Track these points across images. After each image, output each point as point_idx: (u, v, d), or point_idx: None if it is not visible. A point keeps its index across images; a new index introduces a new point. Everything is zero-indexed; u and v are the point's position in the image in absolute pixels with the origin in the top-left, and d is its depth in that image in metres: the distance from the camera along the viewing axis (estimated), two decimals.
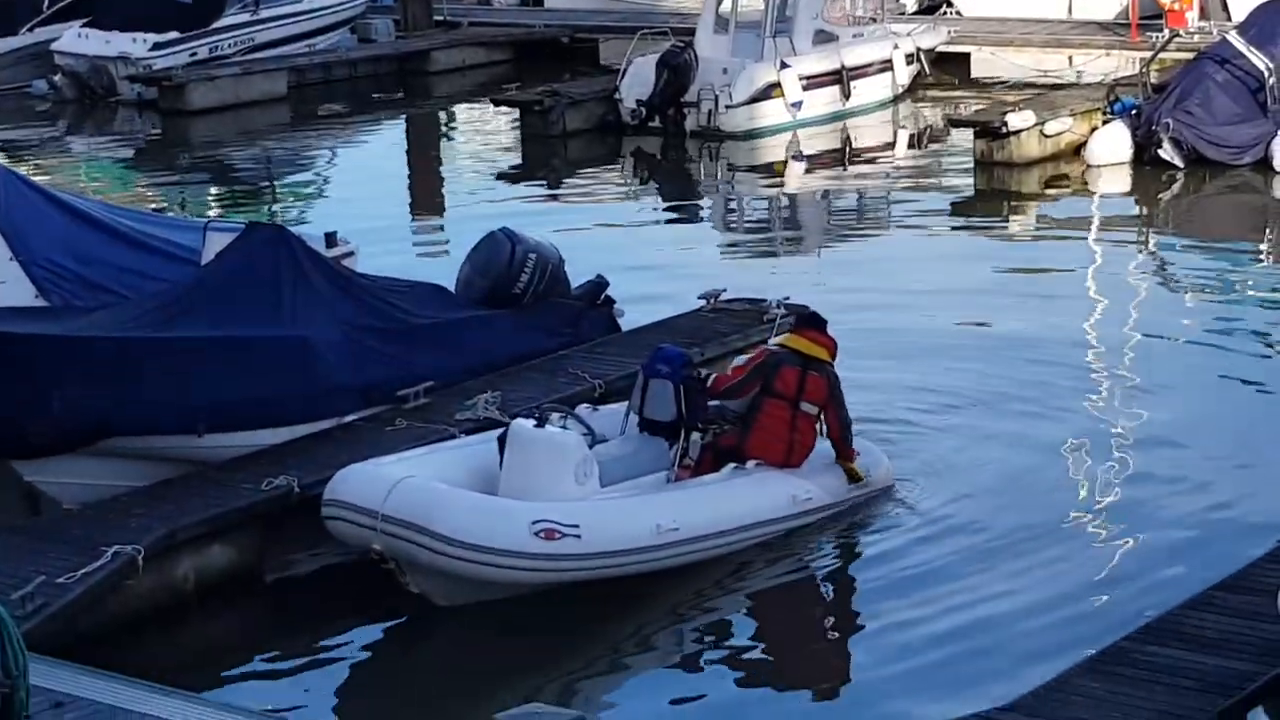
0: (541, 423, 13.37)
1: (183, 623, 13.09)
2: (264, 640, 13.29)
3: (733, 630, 13.06)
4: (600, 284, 17.93)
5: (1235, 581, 11.90)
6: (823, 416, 14.31)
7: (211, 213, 26.63)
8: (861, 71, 32.90)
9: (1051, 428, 16.98)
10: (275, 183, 30.81)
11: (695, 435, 14.37)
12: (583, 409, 14.62)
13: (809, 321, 14.76)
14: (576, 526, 12.74)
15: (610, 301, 17.93)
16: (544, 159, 31.32)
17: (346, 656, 12.67)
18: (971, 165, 29.49)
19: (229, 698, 11.02)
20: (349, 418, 15.28)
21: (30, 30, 38.39)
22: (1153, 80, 30.05)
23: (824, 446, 14.50)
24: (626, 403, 14.89)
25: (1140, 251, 25.90)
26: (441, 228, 27.80)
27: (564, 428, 13.74)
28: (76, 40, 36.31)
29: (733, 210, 29.48)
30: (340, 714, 11.50)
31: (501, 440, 13.47)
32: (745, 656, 12.64)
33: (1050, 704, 10.15)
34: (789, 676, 12.18)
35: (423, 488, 12.78)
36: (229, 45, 36.58)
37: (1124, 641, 11.09)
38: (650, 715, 11.59)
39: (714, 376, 14.55)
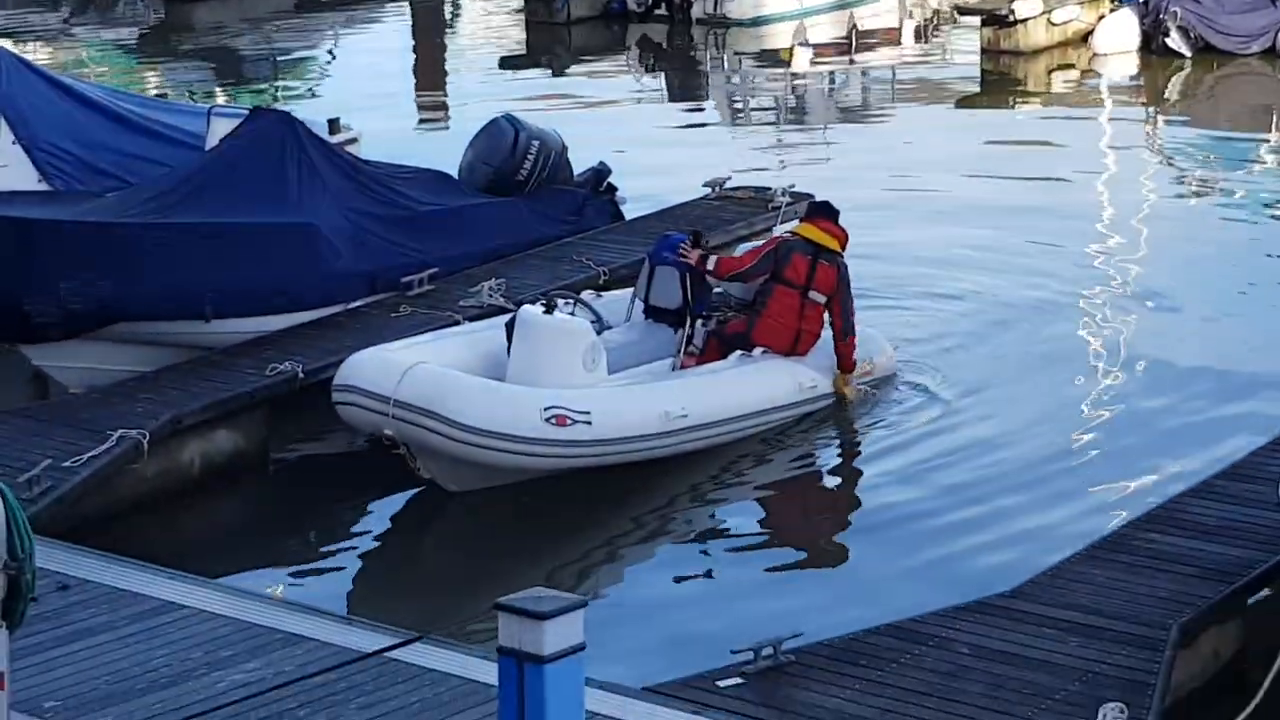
0: (550, 309, 13.36)
1: (188, 507, 13.13)
2: (269, 525, 13.36)
3: (738, 518, 13.11)
4: (602, 171, 17.88)
5: (1236, 469, 11.93)
6: (828, 309, 14.29)
7: (215, 99, 26.51)
8: None
9: (1056, 316, 16.98)
10: (278, 69, 30.67)
11: (700, 323, 14.37)
12: (586, 296, 14.61)
13: (821, 210, 14.69)
14: (588, 413, 12.77)
15: (612, 189, 17.89)
16: (548, 46, 31.18)
17: (352, 541, 12.72)
18: (978, 53, 29.33)
19: (234, 581, 11.06)
20: (355, 304, 15.29)
21: None
22: None
23: (829, 335, 14.50)
24: (631, 290, 14.87)
25: (1146, 139, 25.80)
26: (445, 115, 27.70)
27: (572, 314, 13.73)
28: None
29: (738, 98, 29.35)
30: (346, 597, 11.54)
31: (509, 327, 13.46)
32: (750, 545, 12.69)
33: (1051, 591, 10.18)
34: (793, 565, 12.23)
35: (435, 373, 12.79)
36: None
37: (1125, 529, 11.12)
38: (656, 601, 11.64)
39: (719, 259, 14.50)
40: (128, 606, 9.59)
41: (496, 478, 12.89)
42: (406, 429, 12.63)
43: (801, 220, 14.86)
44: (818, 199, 15.42)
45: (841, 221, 14.57)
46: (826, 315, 14.36)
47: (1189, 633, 9.74)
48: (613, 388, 13.38)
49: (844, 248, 14.45)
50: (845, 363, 14.43)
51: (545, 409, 12.65)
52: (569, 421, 12.68)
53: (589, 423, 12.76)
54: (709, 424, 13.45)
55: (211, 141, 16.54)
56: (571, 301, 14.10)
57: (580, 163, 17.74)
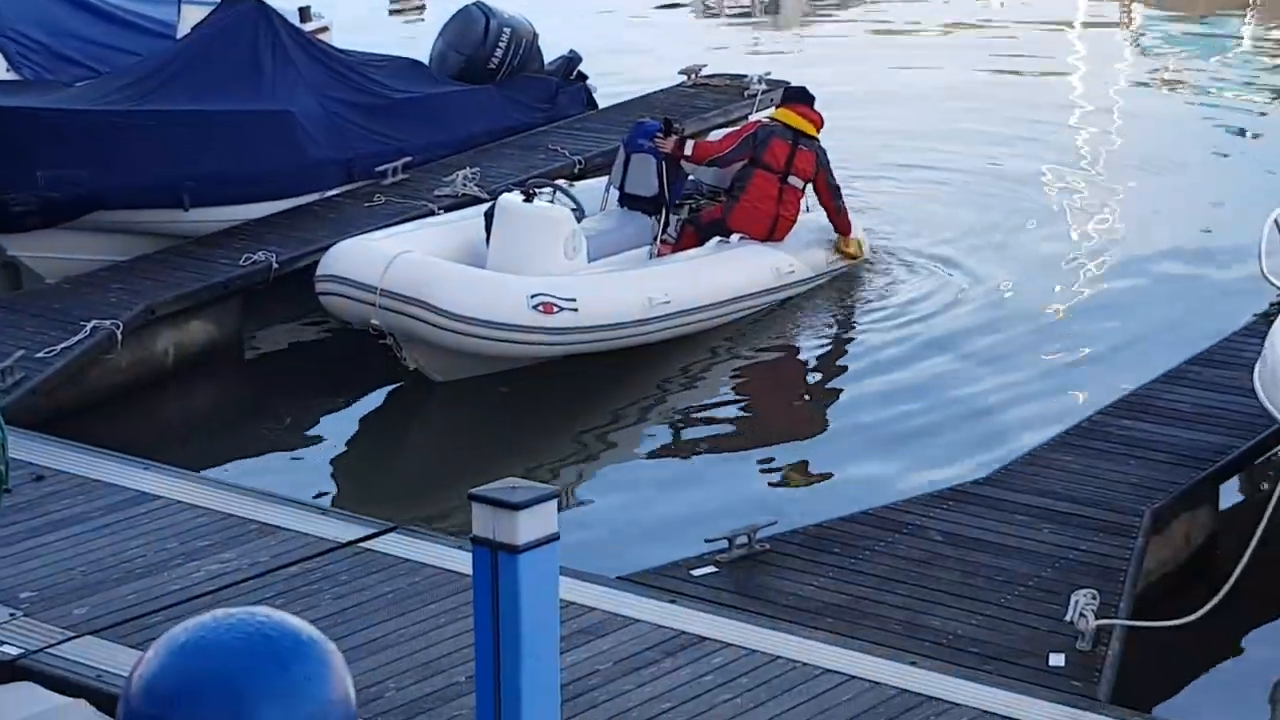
0: (529, 197, 13.31)
1: (162, 397, 13.13)
2: (244, 415, 13.36)
3: (714, 409, 13.12)
4: (573, 59, 17.79)
5: (1209, 355, 11.96)
6: (815, 190, 14.32)
7: None
8: None
9: (1030, 206, 16.98)
10: None
11: (675, 211, 14.35)
12: (559, 184, 14.57)
13: (798, 96, 14.71)
14: (573, 300, 12.77)
15: (583, 76, 17.79)
16: None
17: (327, 431, 12.72)
18: None
19: (209, 471, 11.06)
20: (332, 192, 15.23)
21: None
22: None
23: (804, 220, 14.50)
24: (605, 178, 14.83)
25: (1123, 22, 25.73)
26: (415, 3, 27.48)
27: (551, 202, 13.70)
28: None
29: None
30: (322, 488, 11.55)
31: (488, 216, 13.42)
32: (726, 434, 12.70)
33: (1024, 478, 10.21)
34: (769, 454, 12.24)
35: (421, 262, 12.75)
36: None
37: (1098, 416, 11.14)
38: (633, 491, 11.67)
39: (696, 143, 14.47)
40: (102, 497, 9.59)
41: (482, 366, 12.89)
42: (393, 318, 12.60)
43: (778, 106, 14.84)
44: (793, 85, 15.38)
45: (817, 106, 14.58)
46: (804, 203, 14.38)
47: (1161, 519, 9.78)
48: (597, 275, 13.38)
49: (819, 131, 14.45)
50: (843, 227, 14.51)
51: (532, 296, 12.64)
52: (555, 309, 12.68)
53: (575, 310, 12.77)
54: (691, 310, 13.47)
55: (183, 30, 16.41)
56: (551, 189, 14.06)
57: (550, 51, 17.64)
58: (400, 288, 12.52)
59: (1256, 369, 9.94)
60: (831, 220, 14.57)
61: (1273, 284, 9.30)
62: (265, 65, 15.18)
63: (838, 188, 14.53)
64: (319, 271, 13.03)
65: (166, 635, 2.59)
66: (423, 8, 26.96)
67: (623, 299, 13.11)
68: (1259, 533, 8.47)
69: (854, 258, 14.75)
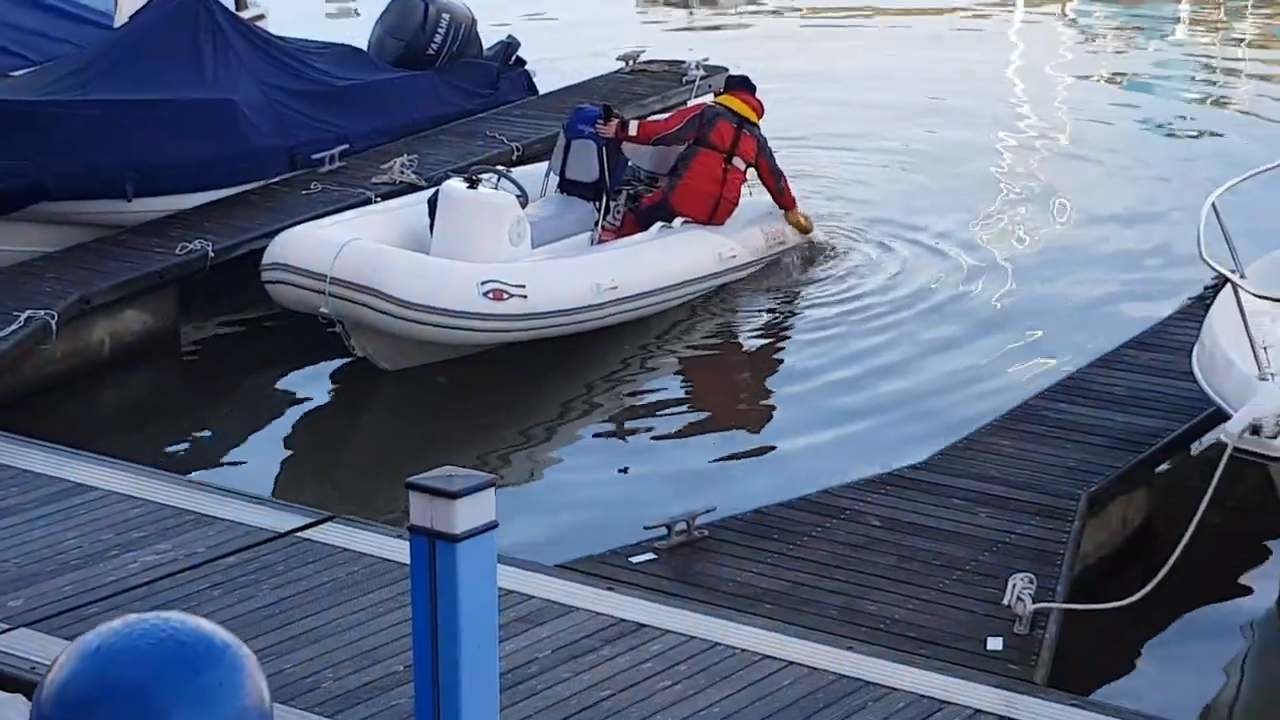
0: (473, 184, 13.28)
1: (98, 388, 13.04)
2: (180, 405, 13.28)
3: (656, 396, 13.09)
4: (511, 45, 17.75)
5: (1144, 339, 12.02)
6: (758, 174, 14.38)
7: None
8: None
9: (969, 190, 17.04)
10: None
11: (617, 197, 14.36)
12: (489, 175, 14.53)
13: (740, 83, 14.86)
14: (523, 286, 12.75)
15: (521, 62, 17.76)
16: None
17: (264, 421, 12.66)
18: None
19: (147, 462, 10.99)
20: (274, 181, 15.16)
21: None
22: None
23: (743, 205, 14.54)
24: (544, 164, 14.81)
25: (1060, 12, 25.84)
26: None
27: (496, 188, 13.68)
28: None
29: None
30: (259, 478, 11.50)
31: (432, 203, 13.37)
32: (667, 421, 12.67)
33: (961, 462, 10.24)
34: (708, 441, 12.25)
35: (371, 249, 12.69)
36: None
37: (1034, 400, 11.18)
38: (574, 479, 11.67)
39: (640, 123, 14.48)
40: (37, 488, 9.52)
41: (431, 354, 12.85)
42: (343, 306, 12.54)
43: (722, 92, 14.90)
44: (733, 72, 15.43)
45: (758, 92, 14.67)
46: (747, 188, 14.45)
47: (1097, 502, 9.83)
48: (544, 261, 13.37)
49: (760, 119, 14.52)
50: (786, 201, 14.64)
51: (482, 283, 12.61)
52: (505, 295, 12.66)
53: (525, 296, 12.75)
54: (637, 295, 13.49)
55: (120, 18, 16.29)
56: (495, 175, 14.04)
57: (488, 38, 17.60)
58: (350, 275, 12.47)
59: (1194, 353, 9.99)
60: (776, 200, 14.63)
61: (1213, 268, 9.33)
62: (206, 53, 15.10)
63: (780, 172, 14.59)
64: (265, 260, 12.95)
65: (79, 641, 2.57)
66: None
67: (571, 285, 13.11)
68: (1197, 516, 8.51)
69: (806, 230, 14.81)
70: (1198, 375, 9.70)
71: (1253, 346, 8.80)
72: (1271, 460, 8.64)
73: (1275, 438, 8.47)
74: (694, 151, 14.25)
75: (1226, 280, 9.34)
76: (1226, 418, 8.88)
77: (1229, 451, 8.52)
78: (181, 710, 2.52)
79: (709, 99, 15.13)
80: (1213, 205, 9.42)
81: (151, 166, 14.33)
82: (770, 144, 14.59)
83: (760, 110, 14.56)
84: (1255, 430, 8.47)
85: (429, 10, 16.85)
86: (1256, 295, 9.18)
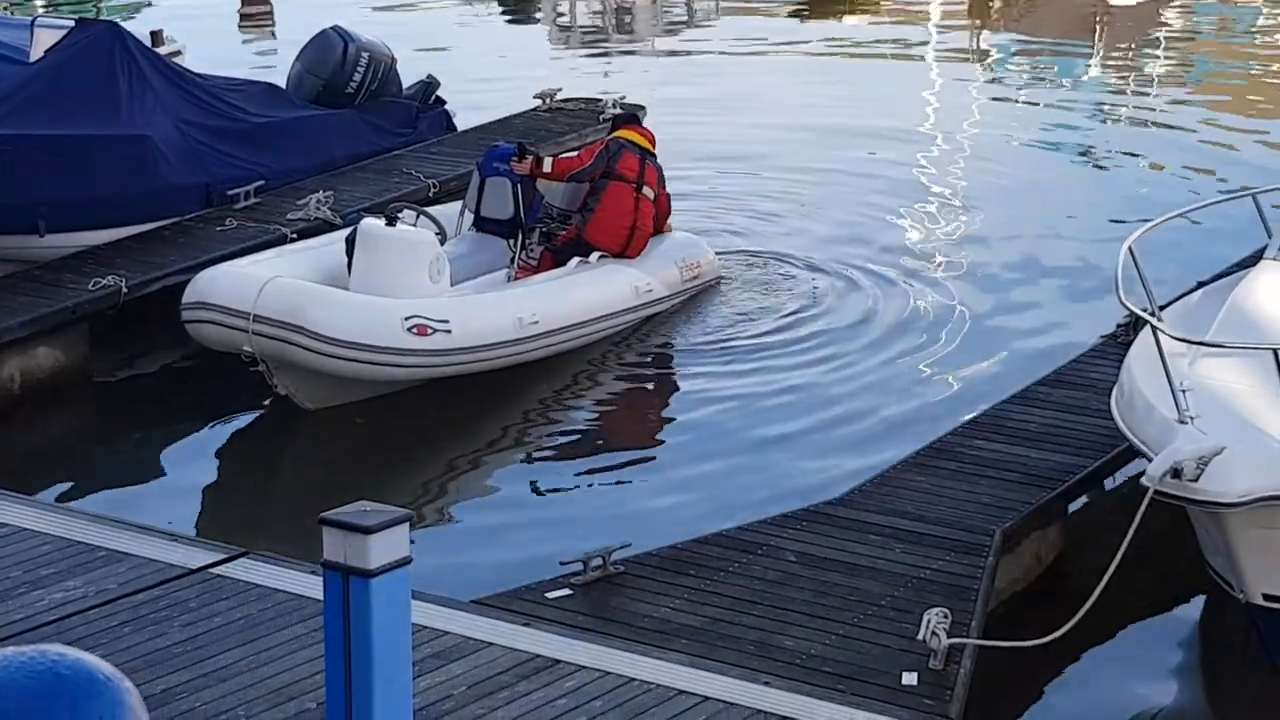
0: (391, 221, 13.24)
1: (8, 424, 12.92)
2: (92, 441, 13.18)
3: (571, 432, 13.09)
4: (432, 84, 17.75)
5: (1058, 377, 12.09)
6: (654, 203, 14.51)
7: (36, 11, 25.95)
8: None
9: (877, 224, 17.12)
10: None
11: (533, 234, 14.38)
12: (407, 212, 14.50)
13: (630, 119, 15.25)
14: (446, 321, 12.73)
15: (441, 101, 17.76)
16: None
17: (177, 458, 12.57)
18: None
19: (58, 499, 10.90)
20: (188, 217, 15.07)
21: None
22: None
23: (658, 241, 14.62)
24: (459, 202, 14.80)
25: (974, 51, 26.04)
26: (271, 27, 27.33)
27: (414, 225, 13.65)
28: None
29: (564, 11, 29.24)
30: (175, 514, 11.39)
31: (350, 240, 13.31)
32: (582, 457, 12.63)
33: (876, 498, 10.28)
34: (624, 477, 12.26)
35: (294, 287, 12.62)
36: None
37: (948, 436, 11.23)
38: (489, 515, 11.64)
39: (553, 159, 14.52)
40: None
41: (355, 391, 12.79)
42: (267, 344, 12.44)
43: (614, 129, 14.97)
44: (622, 110, 15.62)
45: (657, 122, 14.88)
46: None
47: (1011, 538, 9.88)
48: (466, 297, 13.35)
49: (654, 149, 14.74)
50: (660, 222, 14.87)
51: (406, 318, 12.57)
52: (429, 331, 12.62)
53: (449, 331, 12.72)
54: (558, 329, 13.51)
55: (36, 53, 16.17)
56: (415, 213, 14.01)
57: (408, 76, 17.59)
58: (273, 313, 12.39)
59: (1113, 395, 10.06)
60: (657, 226, 14.77)
61: (1133, 312, 9.43)
62: (121, 89, 15.01)
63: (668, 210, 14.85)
64: (186, 299, 12.84)
65: None
66: (274, 28, 26.86)
67: (493, 320, 13.10)
68: (1116, 559, 8.58)
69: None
70: (1116, 418, 9.76)
71: (1172, 390, 8.86)
72: (1192, 503, 8.71)
73: (1195, 480, 8.54)
74: (603, 184, 14.35)
75: (1144, 322, 9.41)
76: (1145, 459, 8.94)
77: (1149, 495, 8.59)
78: None
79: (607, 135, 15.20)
80: (1129, 250, 9.50)
81: (63, 202, 14.23)
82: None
83: (653, 140, 14.79)
84: (1176, 474, 8.54)
85: (348, 49, 16.81)
86: (1175, 338, 9.26)
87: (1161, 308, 10.28)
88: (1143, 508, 8.58)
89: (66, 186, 14.28)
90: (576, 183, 14.51)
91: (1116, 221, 17.03)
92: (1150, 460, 8.77)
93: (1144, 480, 8.67)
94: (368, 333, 12.44)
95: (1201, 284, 12.63)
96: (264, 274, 12.75)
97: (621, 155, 14.41)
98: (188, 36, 19.01)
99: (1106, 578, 8.58)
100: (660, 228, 14.81)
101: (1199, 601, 10.26)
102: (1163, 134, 20.98)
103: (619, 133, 14.79)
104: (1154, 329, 9.10)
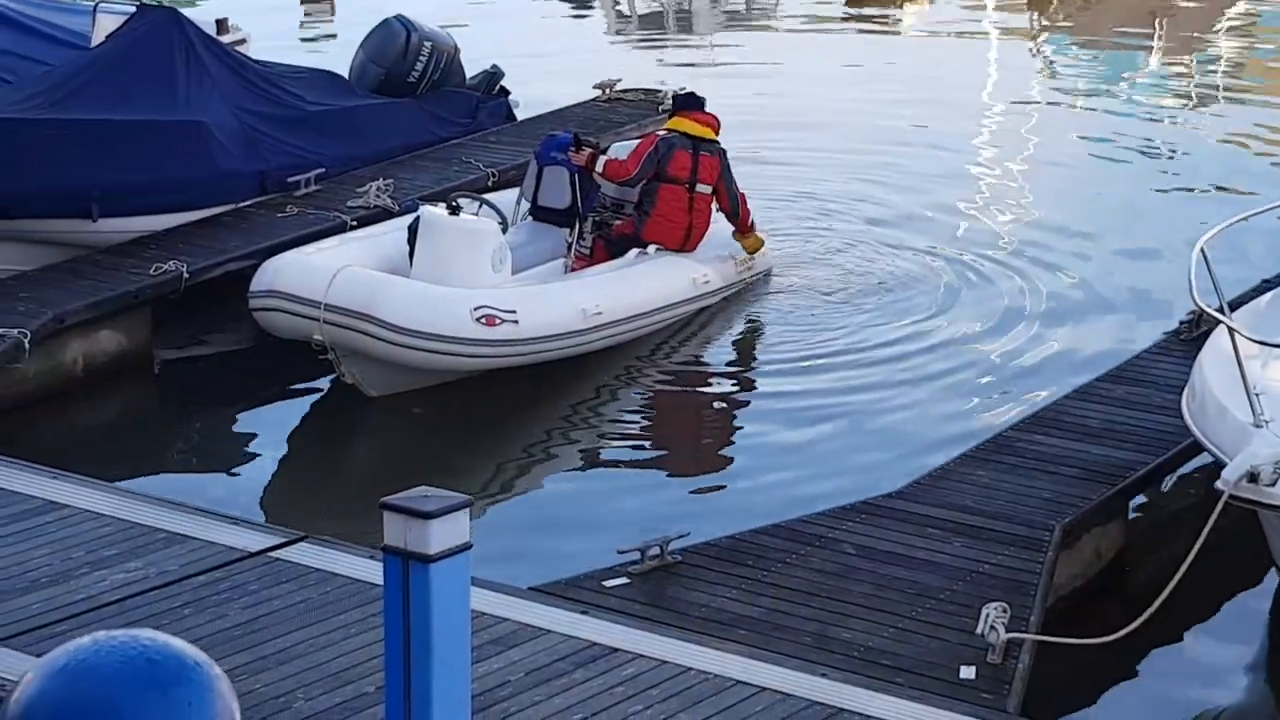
0: (454, 210, 13.25)
1: (70, 407, 12.99)
2: (153, 425, 13.24)
3: (631, 421, 13.10)
4: (496, 74, 17.77)
5: (1119, 373, 12.03)
6: (715, 198, 14.37)
7: None
8: None
9: (939, 221, 17.05)
10: None
11: (587, 224, 14.36)
12: (469, 201, 14.52)
13: (688, 103, 14.76)
14: (514, 312, 12.74)
15: (505, 92, 17.78)
16: None
17: (237, 441, 12.63)
18: None
19: (119, 481, 10.93)
20: (245, 205, 15.11)
21: None
22: None
23: (714, 231, 14.56)
24: (517, 190, 14.81)
25: (1033, 46, 25.93)
26: (333, 15, 27.42)
27: (476, 214, 13.65)
28: None
29: (623, 2, 29.24)
30: (235, 497, 11.43)
31: (412, 229, 13.32)
32: (642, 446, 12.67)
33: (936, 491, 10.25)
34: (684, 466, 12.27)
35: (364, 277, 12.64)
36: None
37: (1009, 431, 11.19)
38: (548, 502, 11.66)
39: (606, 162, 14.40)
40: (8, 506, 9.46)
41: (420, 380, 12.81)
42: (338, 333, 12.46)
43: (671, 116, 14.82)
44: (680, 93, 15.40)
45: (719, 113, 14.67)
46: (714, 204, 14.44)
47: (1071, 533, 9.84)
48: (532, 287, 13.36)
49: (718, 133, 14.48)
50: (743, 224, 14.60)
51: (475, 309, 12.59)
52: (498, 321, 12.64)
53: (516, 321, 12.73)
54: (621, 320, 13.50)
55: (97, 38, 16.25)
56: (477, 201, 14.00)
57: (473, 65, 17.61)
58: (344, 302, 12.41)
59: (1184, 397, 10.00)
60: (731, 221, 14.60)
61: (1210, 314, 9.37)
62: (179, 75, 15.05)
63: (739, 195, 14.55)
64: (255, 287, 12.86)
65: (47, 657, 2.54)
66: (334, 15, 26.97)
67: (559, 311, 13.11)
68: (1187, 562, 8.53)
69: (755, 249, 14.81)
70: (1188, 419, 9.69)
71: (1247, 393, 8.80)
72: (1268, 508, 8.65)
73: (1273, 485, 8.48)
74: (655, 187, 14.20)
75: (1209, 320, 9.35)
76: (1218, 463, 8.88)
77: (1224, 499, 8.53)
78: None
79: (665, 123, 15.05)
80: (1201, 251, 9.44)
81: (116, 187, 14.26)
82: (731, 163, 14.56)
83: (716, 125, 14.54)
84: (1253, 478, 8.49)
85: (411, 38, 16.84)
86: (1252, 340, 9.18)
87: (1231, 308, 10.20)
88: (1216, 512, 8.52)
89: (119, 171, 14.30)
90: (628, 187, 14.41)
91: (1176, 218, 16.96)
92: (1224, 464, 8.71)
93: (1219, 485, 8.60)
94: (437, 323, 12.47)
95: (1267, 283, 12.56)
96: (334, 263, 12.77)
97: (672, 155, 14.20)
98: (252, 24, 19.05)
99: (1175, 581, 8.52)
100: (742, 227, 14.62)
101: (1264, 603, 10.20)
102: (1224, 130, 20.84)
103: (674, 120, 14.59)
104: (1231, 331, 9.03)
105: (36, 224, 14.12)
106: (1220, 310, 9.33)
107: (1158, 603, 8.53)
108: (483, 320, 12.58)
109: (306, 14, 27.79)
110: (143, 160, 14.48)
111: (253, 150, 15.28)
